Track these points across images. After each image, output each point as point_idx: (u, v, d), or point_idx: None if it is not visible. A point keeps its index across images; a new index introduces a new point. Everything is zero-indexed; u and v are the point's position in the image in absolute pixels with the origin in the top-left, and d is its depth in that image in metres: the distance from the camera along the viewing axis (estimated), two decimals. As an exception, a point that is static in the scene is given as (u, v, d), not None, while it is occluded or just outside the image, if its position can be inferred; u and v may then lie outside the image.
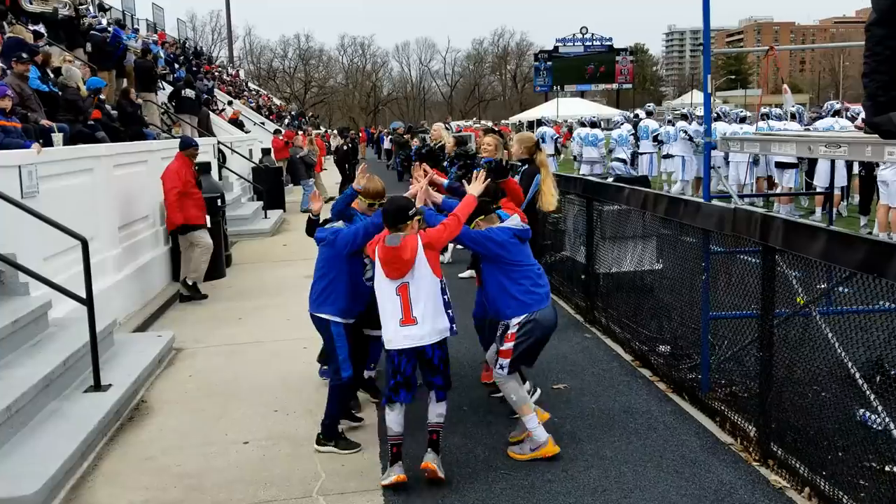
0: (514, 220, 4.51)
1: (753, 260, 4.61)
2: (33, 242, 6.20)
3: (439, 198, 4.69)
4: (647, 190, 6.02)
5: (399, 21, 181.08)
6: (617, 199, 6.39)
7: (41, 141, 7.61)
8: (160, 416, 5.33)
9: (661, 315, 6.10)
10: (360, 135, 49.11)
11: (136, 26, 31.76)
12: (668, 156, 18.20)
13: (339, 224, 4.67)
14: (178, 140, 10.28)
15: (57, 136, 7.53)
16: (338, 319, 4.57)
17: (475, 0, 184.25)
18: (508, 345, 4.40)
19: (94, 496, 4.19)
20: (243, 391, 5.74)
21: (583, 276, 7.51)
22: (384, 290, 4.10)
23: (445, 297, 4.14)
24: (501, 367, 4.41)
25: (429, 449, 4.18)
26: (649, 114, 20.29)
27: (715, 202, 4.98)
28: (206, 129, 17.44)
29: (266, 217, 15.18)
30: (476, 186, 4.36)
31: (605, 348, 6.49)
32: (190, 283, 9.06)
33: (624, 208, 6.39)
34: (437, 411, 4.21)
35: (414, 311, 4.03)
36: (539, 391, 5.17)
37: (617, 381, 5.66)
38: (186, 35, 48.13)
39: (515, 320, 4.37)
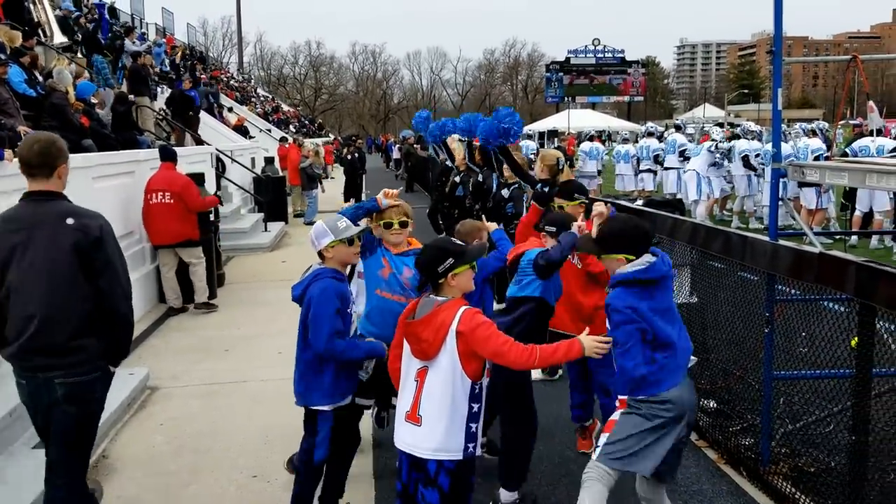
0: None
1: (836, 307, 3.81)
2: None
3: None
4: (698, 222, 5.17)
5: (411, 30, 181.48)
6: (659, 230, 5.54)
7: (15, 150, 6.85)
8: (120, 480, 4.50)
9: (703, 363, 5.25)
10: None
11: (144, 31, 31.21)
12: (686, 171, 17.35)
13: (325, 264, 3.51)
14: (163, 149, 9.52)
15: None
16: (328, 408, 3.56)
17: (487, 10, 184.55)
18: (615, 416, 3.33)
19: None
20: (218, 447, 4.92)
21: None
22: (407, 366, 3.11)
23: (475, 406, 3.00)
24: (601, 456, 3.23)
25: None
26: (678, 128, 19.41)
27: (782, 241, 4.15)
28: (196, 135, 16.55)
29: (266, 230, 14.38)
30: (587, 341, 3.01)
31: (639, 400, 5.61)
32: (204, 301, 8.89)
33: (664, 239, 5.54)
34: None
35: (422, 407, 2.99)
36: None
37: (658, 447, 4.79)
38: (196, 40, 47.65)
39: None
